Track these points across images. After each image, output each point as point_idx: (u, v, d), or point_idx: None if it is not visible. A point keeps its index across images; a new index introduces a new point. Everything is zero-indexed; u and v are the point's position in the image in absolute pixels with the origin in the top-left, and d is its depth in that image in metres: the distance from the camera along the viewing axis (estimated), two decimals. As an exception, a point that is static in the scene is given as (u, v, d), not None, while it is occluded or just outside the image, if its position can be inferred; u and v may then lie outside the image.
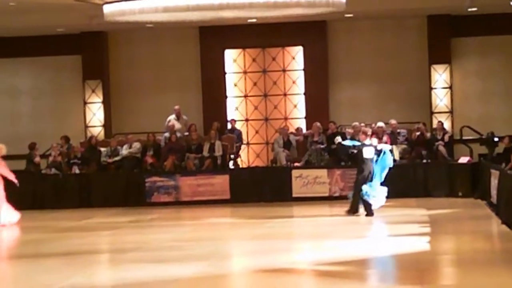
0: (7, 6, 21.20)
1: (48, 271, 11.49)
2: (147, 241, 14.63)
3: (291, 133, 22.79)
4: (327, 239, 13.98)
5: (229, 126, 23.91)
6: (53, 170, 21.97)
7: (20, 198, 21.21)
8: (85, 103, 24.81)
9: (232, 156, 22.98)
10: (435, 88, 24.04)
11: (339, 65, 24.51)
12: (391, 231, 14.83)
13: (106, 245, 15.23)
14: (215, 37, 24.28)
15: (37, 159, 22.25)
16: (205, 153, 21.96)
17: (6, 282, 10.82)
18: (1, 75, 25.20)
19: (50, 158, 22.34)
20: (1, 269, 11.78)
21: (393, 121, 22.04)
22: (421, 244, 12.75)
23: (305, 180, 20.10)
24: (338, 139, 18.52)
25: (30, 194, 21.30)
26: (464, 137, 23.15)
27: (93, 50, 24.58)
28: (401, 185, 20.42)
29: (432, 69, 23.97)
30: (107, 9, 19.61)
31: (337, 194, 20.66)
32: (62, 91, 25.05)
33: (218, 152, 21.96)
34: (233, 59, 24.96)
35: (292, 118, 24.85)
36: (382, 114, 23.30)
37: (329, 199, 20.53)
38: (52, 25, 23.26)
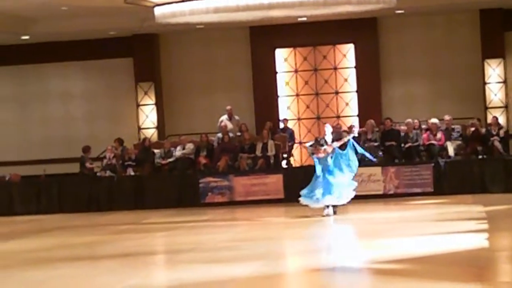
0: (59, 11, 21.42)
1: (105, 273, 11.58)
2: (202, 241, 14.66)
3: (344, 131, 22.67)
4: (382, 237, 13.87)
5: (281, 125, 23.89)
6: (108, 173, 22.15)
7: (75, 201, 21.49)
8: (138, 105, 24.98)
9: (284, 155, 22.95)
10: (489, 83, 23.76)
11: (390, 61, 24.35)
12: (447, 228, 14.67)
13: (162, 246, 15.31)
14: (265, 36, 24.28)
15: (88, 164, 22.43)
16: (258, 153, 21.96)
17: (65, 285, 10.92)
18: (54, 80, 25.48)
19: (105, 161, 22.52)
20: (60, 272, 11.90)
21: (447, 117, 21.81)
22: (479, 241, 12.58)
23: (359, 178, 19.96)
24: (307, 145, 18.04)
25: (85, 197, 21.54)
26: (520, 132, 22.88)
27: (145, 53, 24.74)
28: (457, 182, 20.23)
29: (485, 64, 23.69)
30: (158, 11, 19.71)
31: (391, 192, 20.52)
32: (115, 94, 25.26)
33: (271, 151, 21.94)
34: (284, 58, 24.93)
35: (344, 116, 24.74)
36: (436, 110, 23.10)
37: (384, 197, 20.40)
38: (104, 29, 23.44)
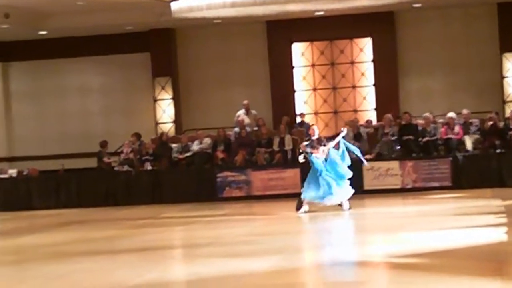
0: (75, 6, 21.49)
1: (124, 267, 11.61)
2: (220, 236, 14.67)
3: (361, 125, 22.64)
4: (400, 231, 13.84)
5: (298, 119, 23.87)
6: (126, 167, 22.20)
7: (93, 195, 21.56)
8: (155, 100, 25.02)
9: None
10: (507, 77, 23.65)
11: (408, 55, 24.28)
12: (466, 222, 14.62)
13: (179, 241, 15.33)
14: (282, 31, 24.26)
15: (105, 159, 22.50)
16: (275, 147, 21.96)
17: (84, 279, 10.96)
18: (72, 75, 25.56)
19: (122, 155, 22.58)
20: (79, 266, 11.94)
21: (465, 111, 21.72)
22: (498, 235, 12.53)
23: (377, 172, 19.94)
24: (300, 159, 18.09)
25: (103, 191, 21.61)
26: (538, 126, 22.73)
27: (162, 47, 24.77)
28: (475, 176, 20.16)
29: (503, 58, 23.58)
30: (175, 6, 19.76)
31: (409, 186, 20.47)
32: (132, 88, 25.32)
33: (288, 146, 21.94)
34: (301, 53, 24.91)
35: (361, 110, 24.70)
36: (453, 104, 23.03)
37: (402, 191, 20.35)
38: (121, 24, 23.49)
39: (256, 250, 12.51)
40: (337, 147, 17.32)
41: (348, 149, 17.42)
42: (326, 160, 17.03)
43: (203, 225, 16.75)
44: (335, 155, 17.14)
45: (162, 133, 23.42)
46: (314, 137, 17.23)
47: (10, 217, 20.21)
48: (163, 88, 24.98)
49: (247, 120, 23.10)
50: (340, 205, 17.09)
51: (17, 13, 21.60)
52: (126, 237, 15.18)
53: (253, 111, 23.56)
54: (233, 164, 21.80)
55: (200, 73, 25.12)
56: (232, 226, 16.13)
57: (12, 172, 23.00)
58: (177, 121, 25.06)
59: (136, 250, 13.26)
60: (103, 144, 22.70)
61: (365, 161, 17.88)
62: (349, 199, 17.19)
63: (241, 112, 23.36)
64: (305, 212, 17.13)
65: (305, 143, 17.39)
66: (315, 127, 17.75)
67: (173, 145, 22.72)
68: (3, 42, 25.32)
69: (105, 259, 12.52)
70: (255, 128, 23.02)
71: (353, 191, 17.18)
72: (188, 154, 22.32)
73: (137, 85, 25.31)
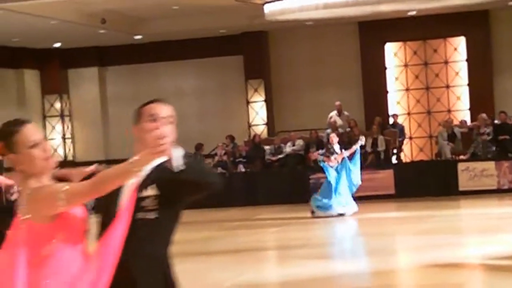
0: (170, 10, 21.81)
1: (219, 269, 11.75)
2: (313, 237, 14.72)
3: (455, 125, 22.38)
4: (497, 233, 13.64)
5: (391, 120, 23.72)
6: (219, 169, 22.41)
7: (188, 197, 21.77)
8: (248, 102, 25.20)
9: (395, 150, 22.79)
10: None
11: (503, 54, 23.86)
12: None
13: (273, 242, 15.42)
14: (374, 31, 24.13)
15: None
16: (368, 148, 21.88)
17: (180, 279, 11.12)
18: (167, 78, 25.94)
19: (216, 158, 22.81)
20: (175, 267, 12.13)
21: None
22: None
23: (472, 173, 19.70)
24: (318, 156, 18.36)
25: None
26: None
27: (255, 50, 24.92)
28: None
29: None
30: (268, 8, 19.88)
31: (505, 187, 20.13)
32: (226, 91, 25.54)
33: (381, 147, 21.83)
34: (393, 53, 24.74)
35: (455, 110, 24.38)
36: (551, 103, 22.56)
37: (498, 192, 20.03)
38: (214, 27, 23.73)
39: (349, 251, 12.51)
40: (352, 155, 17.71)
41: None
42: (339, 167, 17.49)
43: (297, 226, 16.81)
44: (349, 163, 17.59)
45: (255, 135, 23.57)
46: (333, 146, 17.63)
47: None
48: (255, 90, 25.14)
49: (339, 121, 23.07)
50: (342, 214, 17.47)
51: (114, 18, 22.05)
52: (221, 239, 15.35)
53: (346, 112, 23.51)
54: (326, 165, 21.76)
55: (292, 75, 25.18)
56: (325, 228, 16.15)
57: (109, 174, 23.41)
58: (270, 123, 25.18)
59: (231, 252, 13.40)
60: (199, 146, 22.97)
61: (358, 182, 18.02)
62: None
63: (334, 113, 23.35)
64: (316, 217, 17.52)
65: (320, 151, 18.09)
66: (333, 135, 18.36)
67: (266, 147, 22.84)
68: (100, 47, 25.88)
69: (200, 261, 12.68)
70: (348, 129, 22.98)
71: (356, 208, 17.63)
72: (280, 156, 22.42)
73: (230, 87, 25.53)
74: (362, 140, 18.15)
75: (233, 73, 25.32)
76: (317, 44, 24.93)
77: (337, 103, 23.47)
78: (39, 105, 25.90)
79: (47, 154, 4.00)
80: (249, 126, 25.20)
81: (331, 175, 17.50)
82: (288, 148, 22.49)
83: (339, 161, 17.54)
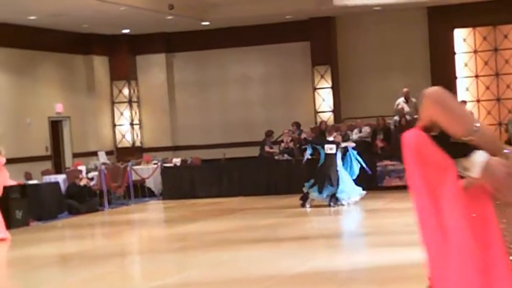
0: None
1: (288, 255, 11.74)
2: (381, 225, 14.60)
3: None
4: None
5: (460, 107, 23.39)
6: (286, 156, 22.38)
7: (254, 184, 21.86)
8: (314, 88, 25.11)
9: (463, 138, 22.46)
10: None
11: None
12: None
13: (340, 229, 15.36)
14: (443, 16, 23.83)
15: (267, 147, 22.75)
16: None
17: (248, 266, 11.15)
18: (233, 64, 25.99)
19: (282, 144, 22.78)
20: (243, 253, 12.16)
21: None
22: None
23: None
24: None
25: (264, 180, 21.84)
26: None
27: (322, 36, 24.80)
28: None
29: None
30: (335, -6, 19.73)
31: None
32: (292, 77, 25.48)
33: (450, 134, 21.54)
34: (462, 39, 24.40)
35: (526, 97, 23.98)
36: None
37: None
38: (281, 13, 23.67)
39: (418, 240, 12.36)
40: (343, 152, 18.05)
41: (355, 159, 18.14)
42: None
43: (364, 214, 16.72)
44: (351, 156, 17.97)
45: (322, 122, 23.47)
46: (330, 139, 17.95)
47: (174, 205, 20.77)
48: (322, 76, 25.04)
49: (406, 108, 22.84)
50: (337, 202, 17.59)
51: (181, 4, 22.14)
52: (288, 226, 15.33)
53: (413, 99, 23.26)
54: (392, 153, 21.59)
55: (359, 61, 25.02)
56: (393, 216, 15.99)
57: (176, 161, 23.61)
58: (336, 109, 25.06)
59: (299, 238, 13.38)
60: (269, 133, 22.97)
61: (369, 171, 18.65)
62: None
63: (401, 100, 23.12)
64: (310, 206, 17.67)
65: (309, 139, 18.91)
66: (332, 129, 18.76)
67: (333, 134, 22.71)
68: (167, 33, 26.03)
69: (267, 247, 12.69)
70: (415, 116, 22.73)
71: (360, 192, 17.87)
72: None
73: (296, 74, 25.47)
74: (351, 146, 18.61)
75: (300, 60, 25.25)
76: (385, 30, 24.71)
77: (405, 89, 23.23)
78: (107, 91, 26.17)
79: None
80: (316, 113, 25.11)
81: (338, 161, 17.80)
82: (354, 135, 22.35)
83: (339, 140, 18.13)
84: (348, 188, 17.75)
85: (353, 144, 18.94)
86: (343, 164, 17.93)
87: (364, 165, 18.36)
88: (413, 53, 24.56)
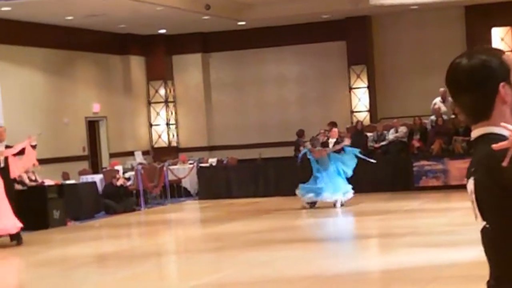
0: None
1: (326, 256, 11.72)
2: (418, 225, 14.53)
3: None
4: None
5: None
6: (322, 156, 22.31)
7: (290, 184, 21.82)
8: (350, 88, 25.04)
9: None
10: None
11: None
12: None
13: (378, 230, 15.28)
14: (481, 15, 23.63)
15: (302, 147, 22.71)
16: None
17: (286, 266, 11.12)
18: (269, 64, 25.97)
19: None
20: (281, 254, 12.14)
21: None
22: None
23: None
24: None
25: (299, 180, 21.74)
26: None
27: (358, 35, 24.71)
28: None
29: None
30: (372, -7, 19.65)
31: None
32: (328, 77, 25.42)
33: (487, 134, 21.37)
34: (500, 38, 24.19)
35: None
36: None
37: None
38: (318, 12, 23.62)
39: (456, 241, 12.29)
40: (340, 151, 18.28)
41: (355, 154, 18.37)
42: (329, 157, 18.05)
43: (401, 214, 16.62)
44: (338, 157, 18.14)
45: (357, 122, 23.40)
46: (333, 140, 18.22)
47: (210, 205, 20.80)
48: (358, 76, 24.95)
49: (443, 108, 22.69)
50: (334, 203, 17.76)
51: (218, 4, 22.18)
52: (324, 226, 15.31)
53: (450, 99, 23.11)
54: (429, 153, 21.48)
55: (395, 61, 24.89)
56: (430, 216, 15.91)
57: (212, 161, 23.64)
58: (372, 109, 24.96)
59: (334, 239, 13.35)
60: (300, 133, 22.94)
61: (371, 160, 18.76)
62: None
63: (438, 100, 22.98)
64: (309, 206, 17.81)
65: (308, 142, 18.81)
66: (335, 130, 18.98)
67: (369, 134, 22.64)
68: (204, 33, 26.08)
69: (304, 248, 12.66)
70: (452, 116, 22.58)
71: (351, 192, 18.02)
72: (383, 143, 22.20)
73: (332, 73, 25.40)
74: (346, 142, 18.72)
75: (336, 59, 25.18)
76: (422, 29, 24.57)
77: (442, 89, 23.07)
78: (144, 91, 26.28)
79: None
80: (352, 112, 25.03)
81: (315, 166, 18.09)
82: (391, 135, 22.25)
83: (323, 154, 18.09)
84: (334, 189, 17.92)
85: (347, 142, 18.90)
86: (336, 163, 18.09)
87: (363, 157, 18.58)
88: (450, 52, 24.20)
